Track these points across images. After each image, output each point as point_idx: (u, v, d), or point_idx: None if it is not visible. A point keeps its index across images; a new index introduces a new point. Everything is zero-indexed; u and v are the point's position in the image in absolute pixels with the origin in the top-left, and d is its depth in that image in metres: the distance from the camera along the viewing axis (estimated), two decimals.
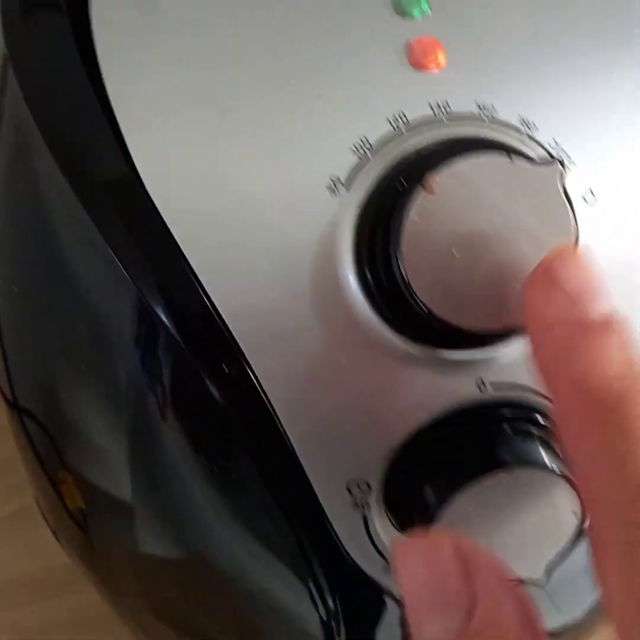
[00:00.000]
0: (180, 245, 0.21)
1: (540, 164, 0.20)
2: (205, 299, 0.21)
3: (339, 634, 0.27)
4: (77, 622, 0.43)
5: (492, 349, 0.21)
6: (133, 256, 0.22)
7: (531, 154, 0.22)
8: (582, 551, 0.24)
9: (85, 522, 0.30)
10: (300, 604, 0.26)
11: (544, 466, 0.21)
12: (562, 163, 0.20)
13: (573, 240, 0.20)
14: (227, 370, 0.22)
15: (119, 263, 0.22)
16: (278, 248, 0.21)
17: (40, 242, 0.25)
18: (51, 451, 0.29)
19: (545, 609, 0.27)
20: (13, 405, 0.30)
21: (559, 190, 0.20)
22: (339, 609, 0.26)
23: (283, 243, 0.21)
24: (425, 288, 0.20)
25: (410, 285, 0.20)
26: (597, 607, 0.28)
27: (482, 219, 0.19)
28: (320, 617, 0.26)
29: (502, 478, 0.21)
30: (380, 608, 0.26)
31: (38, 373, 0.28)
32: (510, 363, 0.22)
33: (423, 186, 0.19)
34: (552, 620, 0.28)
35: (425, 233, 0.19)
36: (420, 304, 0.19)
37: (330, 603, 0.26)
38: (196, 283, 0.21)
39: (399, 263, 0.20)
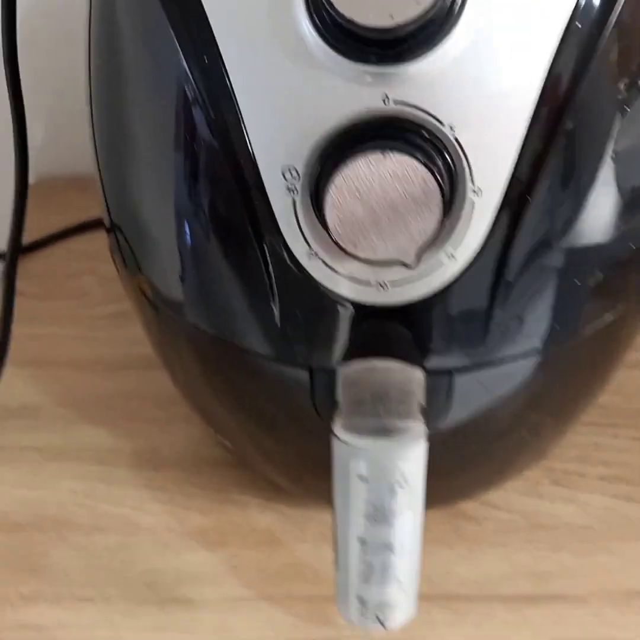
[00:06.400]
0: None
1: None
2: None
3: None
4: None
5: (396, 66, 0.27)
6: None
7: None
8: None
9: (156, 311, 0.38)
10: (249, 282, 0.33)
11: (412, 154, 0.27)
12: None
13: None
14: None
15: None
16: None
17: None
18: (132, 258, 0.37)
19: None
20: (110, 225, 0.38)
21: None
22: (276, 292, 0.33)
23: None
24: None
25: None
26: None
27: None
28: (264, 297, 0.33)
29: (377, 158, 0.27)
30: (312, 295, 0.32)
31: (120, 187, 0.36)
32: (413, 86, 0.28)
33: None
34: None
35: None
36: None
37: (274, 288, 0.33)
38: None
39: None
